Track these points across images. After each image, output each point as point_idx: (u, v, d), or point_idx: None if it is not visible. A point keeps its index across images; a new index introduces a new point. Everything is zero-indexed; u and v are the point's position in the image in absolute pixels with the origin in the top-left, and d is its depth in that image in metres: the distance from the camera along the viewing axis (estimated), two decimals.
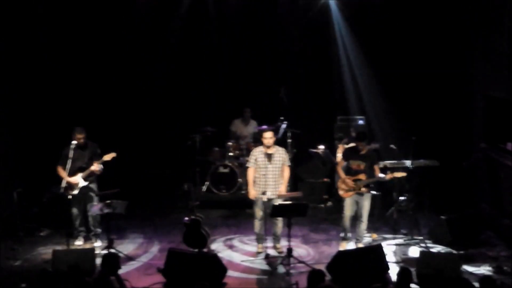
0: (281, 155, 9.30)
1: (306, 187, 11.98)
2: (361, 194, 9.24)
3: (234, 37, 13.14)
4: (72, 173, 9.58)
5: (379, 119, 12.51)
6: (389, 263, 8.53)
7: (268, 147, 9.19)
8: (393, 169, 9.61)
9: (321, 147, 11.95)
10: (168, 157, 12.94)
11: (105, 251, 8.92)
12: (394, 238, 9.62)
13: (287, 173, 9.36)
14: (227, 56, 13.21)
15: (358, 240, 9.48)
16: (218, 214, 11.59)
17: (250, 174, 9.32)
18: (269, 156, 9.19)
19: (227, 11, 13.06)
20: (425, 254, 8.63)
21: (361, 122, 12.32)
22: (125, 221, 10.58)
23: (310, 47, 13.11)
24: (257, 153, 9.28)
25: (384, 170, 9.70)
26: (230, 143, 12.30)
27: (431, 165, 10.18)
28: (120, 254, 9.20)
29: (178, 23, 13.01)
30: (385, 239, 9.91)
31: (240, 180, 11.99)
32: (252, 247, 9.64)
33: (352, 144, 9.77)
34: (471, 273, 8.33)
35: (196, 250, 9.07)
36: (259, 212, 9.23)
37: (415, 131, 10.11)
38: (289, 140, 11.99)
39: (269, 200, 9.09)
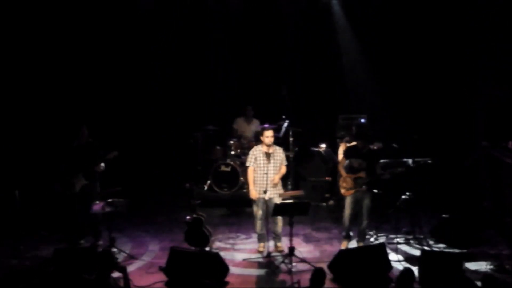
0: (280, 154, 9.30)
1: (308, 185, 11.99)
2: (362, 193, 9.24)
3: (236, 35, 13.16)
4: (74, 172, 9.59)
5: (381, 118, 12.50)
6: (391, 262, 8.53)
7: (269, 146, 9.19)
8: (394, 168, 9.60)
9: (323, 145, 11.95)
10: (170, 155, 12.96)
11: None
12: (395, 237, 9.60)
13: (284, 169, 9.36)
14: (229, 54, 13.22)
15: (359, 239, 9.47)
16: (220, 212, 11.60)
17: (250, 173, 9.30)
18: (268, 156, 9.18)
19: (229, 9, 13.07)
20: (427, 253, 8.62)
21: (362, 120, 12.32)
22: (126, 219, 10.59)
23: (312, 46, 13.13)
24: (257, 152, 9.27)
25: (385, 168, 9.68)
26: (231, 142, 12.31)
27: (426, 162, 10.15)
28: (122, 253, 9.23)
29: (179, 22, 13.02)
30: (386, 237, 9.92)
31: (242, 178, 11.99)
32: (254, 245, 9.64)
33: (353, 143, 9.77)
34: (473, 272, 8.32)
35: (198, 248, 9.08)
36: (259, 212, 9.22)
37: (417, 130, 10.10)
38: (291, 139, 12.01)
39: (270, 199, 9.10)
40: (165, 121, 13.17)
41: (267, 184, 9.05)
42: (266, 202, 9.08)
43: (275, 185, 9.20)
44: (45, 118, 12.04)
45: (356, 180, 9.19)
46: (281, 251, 9.30)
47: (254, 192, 9.22)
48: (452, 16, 11.90)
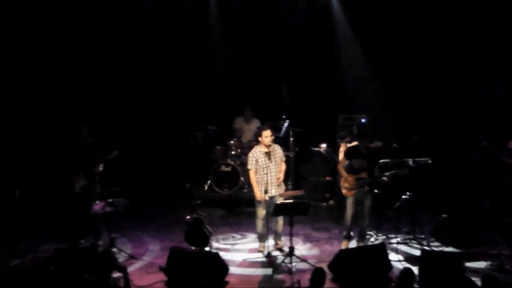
0: (278, 151, 9.33)
1: (308, 185, 12.00)
2: (364, 193, 9.23)
3: (237, 36, 13.15)
4: (74, 172, 9.59)
5: (381, 117, 12.50)
6: (391, 262, 8.53)
7: (268, 145, 9.19)
8: (395, 168, 9.60)
9: (323, 145, 11.94)
10: (170, 155, 12.95)
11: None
12: (395, 237, 9.60)
13: (284, 166, 9.40)
14: (229, 54, 13.21)
15: (360, 239, 9.47)
16: (220, 212, 11.60)
17: (253, 176, 9.25)
18: (269, 155, 9.19)
19: (229, 9, 13.06)
20: (427, 253, 8.61)
21: (363, 120, 12.32)
22: (126, 219, 10.59)
23: (312, 46, 13.11)
24: (257, 153, 9.25)
25: (385, 168, 9.68)
26: (232, 142, 12.29)
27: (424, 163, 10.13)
28: (122, 253, 9.22)
29: (180, 22, 13.02)
30: (386, 237, 9.91)
31: (242, 178, 11.98)
32: (254, 245, 9.64)
33: (354, 143, 9.76)
34: (473, 272, 8.31)
35: (198, 248, 9.07)
36: (262, 212, 9.21)
37: (417, 130, 10.10)
38: (291, 139, 12.00)
39: (271, 198, 9.10)
40: (165, 121, 13.15)
41: (268, 183, 9.05)
42: (267, 202, 9.08)
43: (279, 184, 9.22)
44: (45, 117, 12.03)
45: (358, 180, 9.18)
46: (281, 249, 9.31)
47: (259, 194, 9.17)
48: (452, 16, 11.88)
